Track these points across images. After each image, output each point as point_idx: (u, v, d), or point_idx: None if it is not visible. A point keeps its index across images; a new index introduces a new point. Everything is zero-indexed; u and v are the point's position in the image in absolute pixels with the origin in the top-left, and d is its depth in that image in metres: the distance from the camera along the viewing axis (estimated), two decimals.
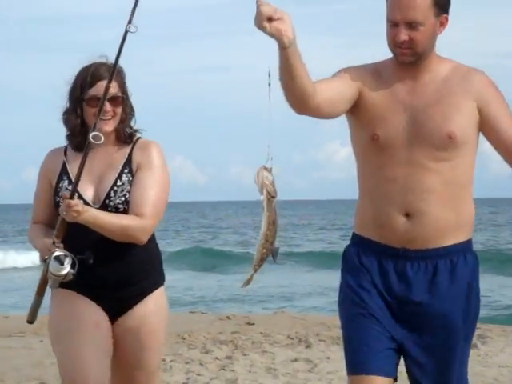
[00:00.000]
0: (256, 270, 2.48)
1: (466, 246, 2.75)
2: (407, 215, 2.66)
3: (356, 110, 2.68)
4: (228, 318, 9.16)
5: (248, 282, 2.53)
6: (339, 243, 26.87)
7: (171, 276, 19.43)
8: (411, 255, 2.69)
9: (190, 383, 5.80)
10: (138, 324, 3.02)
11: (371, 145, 2.66)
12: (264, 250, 2.44)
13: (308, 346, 7.08)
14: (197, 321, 9.05)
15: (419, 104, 2.64)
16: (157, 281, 3.09)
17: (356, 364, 2.71)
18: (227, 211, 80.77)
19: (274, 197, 2.43)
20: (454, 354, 2.71)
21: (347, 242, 2.86)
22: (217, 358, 6.63)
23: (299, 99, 2.50)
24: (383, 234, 2.70)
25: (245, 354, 6.79)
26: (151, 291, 3.05)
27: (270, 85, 2.38)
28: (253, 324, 8.54)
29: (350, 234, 2.85)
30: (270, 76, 2.39)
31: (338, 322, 9.20)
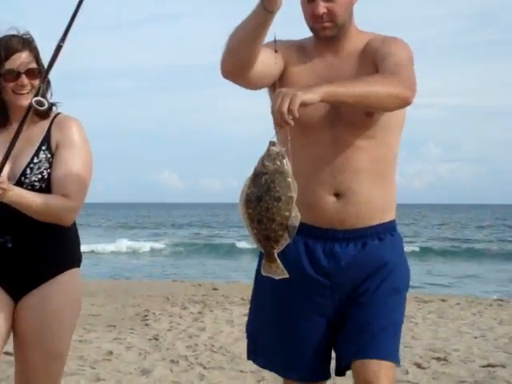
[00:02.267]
0: (267, 253, 1.70)
1: (392, 225, 2.06)
2: (337, 195, 1.96)
3: (278, 85, 1.97)
4: (199, 285, 9.09)
5: (264, 267, 1.73)
6: None
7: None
8: (339, 236, 1.99)
9: (172, 330, 5.79)
10: (41, 304, 2.11)
11: (295, 123, 1.78)
12: (254, 231, 1.68)
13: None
14: (178, 286, 8.99)
15: (337, 80, 1.88)
16: (68, 263, 2.16)
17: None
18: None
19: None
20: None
21: None
22: (191, 313, 6.61)
23: (241, 65, 1.84)
24: (311, 214, 1.96)
25: (211, 310, 6.77)
26: (60, 272, 2.13)
27: (276, 51, 1.85)
28: (217, 289, 8.49)
29: None
30: (275, 42, 1.84)
31: None
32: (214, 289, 8.59)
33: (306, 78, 1.98)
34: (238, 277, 12.44)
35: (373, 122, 1.95)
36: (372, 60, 1.95)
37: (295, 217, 1.67)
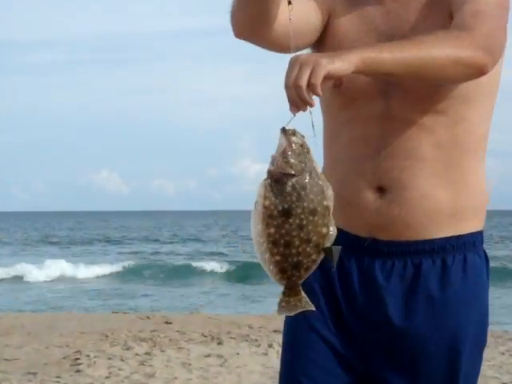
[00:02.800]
0: (290, 286, 1.57)
1: (470, 241, 1.78)
2: (380, 190, 1.76)
3: (320, 43, 1.84)
4: (148, 317, 9.10)
5: (280, 305, 1.58)
6: None
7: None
8: (382, 249, 1.75)
9: (111, 377, 5.78)
10: None
11: (334, 94, 1.78)
12: (277, 258, 1.55)
13: (220, 343, 7.13)
14: (119, 320, 8.97)
15: (397, 31, 1.75)
16: None
17: None
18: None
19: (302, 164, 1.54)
20: None
21: None
22: (137, 354, 6.61)
23: (254, 21, 1.71)
24: (347, 215, 1.78)
25: (162, 351, 6.79)
26: None
27: (290, 3, 1.65)
28: (170, 323, 8.50)
29: None
30: None
31: (248, 321, 9.36)
32: (167, 322, 8.63)
33: (354, 29, 1.80)
34: (198, 306, 12.39)
35: (444, 89, 1.72)
36: (446, 6, 1.74)
37: (333, 234, 1.55)
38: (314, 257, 1.54)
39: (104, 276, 20.56)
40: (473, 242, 1.80)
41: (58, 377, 5.80)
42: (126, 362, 6.31)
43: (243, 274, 19.36)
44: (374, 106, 1.77)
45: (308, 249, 1.53)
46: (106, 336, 7.53)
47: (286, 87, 1.51)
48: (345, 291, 1.80)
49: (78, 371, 5.99)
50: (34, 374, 5.90)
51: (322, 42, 1.83)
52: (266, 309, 11.43)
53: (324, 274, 1.79)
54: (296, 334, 1.84)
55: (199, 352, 6.71)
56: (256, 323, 8.38)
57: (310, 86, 1.48)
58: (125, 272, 21.05)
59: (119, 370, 6.03)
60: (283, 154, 1.53)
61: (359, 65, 1.54)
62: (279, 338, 7.15)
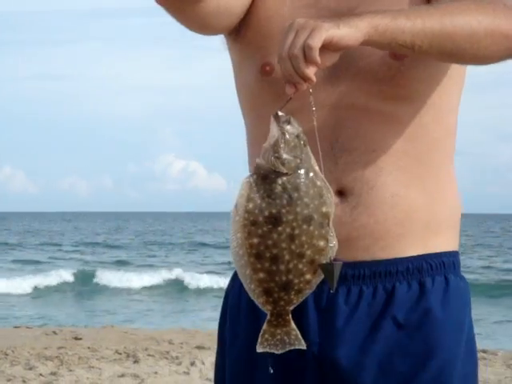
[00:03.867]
0: (278, 314, 1.39)
1: (449, 260, 1.59)
2: (340, 193, 1.53)
3: (244, 23, 1.62)
4: (54, 332, 8.93)
5: (263, 337, 1.40)
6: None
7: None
8: (345, 273, 1.49)
9: None
10: None
11: (264, 84, 1.57)
12: (261, 276, 1.37)
13: (136, 361, 7.04)
14: (21, 336, 8.77)
15: (343, 6, 1.55)
16: None
17: None
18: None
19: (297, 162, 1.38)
20: None
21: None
22: (41, 375, 6.49)
23: None
24: None
25: (70, 370, 6.67)
26: None
27: None
28: (80, 339, 8.35)
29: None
30: None
31: (167, 337, 9.23)
32: (76, 338, 8.46)
33: (289, 4, 1.57)
34: (111, 320, 12.25)
35: (406, 70, 1.53)
36: None
37: (333, 247, 1.38)
38: (307, 276, 1.36)
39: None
40: (452, 262, 1.59)
41: None
42: None
43: (163, 284, 19.21)
44: (322, 93, 1.54)
45: (300, 265, 1.35)
46: (6, 354, 7.34)
47: (280, 59, 1.35)
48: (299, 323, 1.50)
49: None
50: None
51: (246, 23, 1.61)
52: (188, 323, 11.31)
53: None
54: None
55: (112, 371, 6.59)
56: (177, 339, 8.30)
57: (306, 51, 1.31)
58: (25, 280, 20.60)
59: None
60: (274, 146, 1.36)
61: (371, 32, 1.36)
62: (202, 355, 7.07)
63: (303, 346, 1.39)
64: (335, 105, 1.55)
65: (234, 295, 1.66)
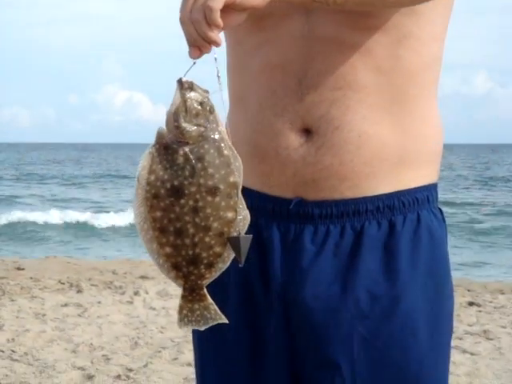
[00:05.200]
0: (191, 289, 1.36)
1: (423, 196, 1.54)
2: (306, 132, 1.49)
3: None
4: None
5: (181, 313, 1.37)
6: None
7: None
8: (313, 212, 1.50)
9: None
10: None
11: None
12: (167, 250, 1.34)
13: (79, 291, 7.02)
14: None
15: None
16: None
17: None
18: None
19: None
20: None
21: None
22: None
23: None
24: (265, 171, 1.54)
25: (12, 300, 6.64)
26: None
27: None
28: (23, 269, 8.32)
29: None
30: None
31: (112, 267, 9.17)
32: (19, 268, 8.41)
33: None
34: (54, 250, 12.18)
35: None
36: None
37: (243, 219, 1.33)
38: (217, 249, 1.32)
39: None
40: (426, 197, 1.54)
41: None
42: None
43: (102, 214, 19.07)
44: (293, 24, 1.49)
45: (207, 239, 1.32)
46: None
47: (182, 23, 1.30)
48: (260, 269, 1.52)
49: None
50: None
51: None
52: (131, 253, 11.32)
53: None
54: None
55: (55, 301, 6.58)
56: (120, 269, 8.29)
57: (207, 13, 1.26)
58: None
59: None
60: (174, 114, 1.31)
61: None
62: (146, 285, 7.11)
63: (224, 320, 1.37)
64: (307, 36, 1.49)
65: None
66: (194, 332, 1.66)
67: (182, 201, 1.31)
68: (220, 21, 1.26)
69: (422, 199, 1.53)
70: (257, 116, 1.54)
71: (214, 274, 1.36)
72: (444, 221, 1.59)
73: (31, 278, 7.71)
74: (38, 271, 8.16)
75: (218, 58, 1.32)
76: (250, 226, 1.44)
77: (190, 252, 1.33)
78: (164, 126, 1.33)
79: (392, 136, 1.50)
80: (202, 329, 1.37)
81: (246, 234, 1.32)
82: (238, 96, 1.58)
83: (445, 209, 1.70)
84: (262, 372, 1.57)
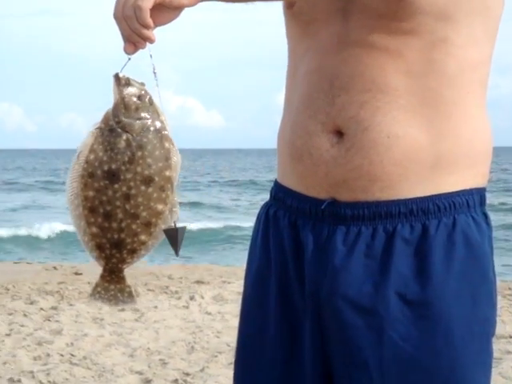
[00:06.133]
0: (110, 270, 1.44)
1: (461, 201, 1.52)
2: (337, 133, 1.53)
3: None
4: (55, 268, 9.00)
5: (95, 290, 1.48)
6: None
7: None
8: (344, 212, 1.53)
9: (12, 334, 5.70)
10: None
11: (290, 19, 1.62)
12: (94, 230, 1.39)
13: (136, 296, 7.12)
14: (22, 271, 8.85)
15: None
16: None
17: None
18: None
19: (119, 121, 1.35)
20: None
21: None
22: (42, 309, 6.53)
23: None
24: (300, 171, 1.57)
25: (71, 305, 6.72)
26: None
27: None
28: (80, 274, 8.43)
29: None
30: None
31: (167, 272, 9.25)
32: (77, 273, 8.53)
33: None
34: None
35: (408, 5, 1.48)
36: None
37: (174, 213, 1.38)
38: (142, 237, 1.37)
39: None
40: (465, 201, 1.52)
41: None
42: (30, 318, 6.22)
43: None
44: (332, 29, 1.55)
45: (134, 226, 1.36)
46: (7, 289, 7.41)
47: (115, 19, 1.33)
48: (297, 269, 1.56)
49: None
50: None
51: None
52: (187, 258, 11.41)
53: (278, 247, 1.60)
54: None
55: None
56: (176, 274, 8.36)
57: (136, 12, 1.29)
58: (27, 214, 20.63)
59: (21, 326, 5.95)
60: (114, 110, 1.33)
61: None
62: (202, 290, 7.17)
63: (135, 302, 1.45)
64: (342, 41, 1.54)
65: (254, 229, 1.71)
66: (239, 330, 1.71)
67: (116, 186, 1.34)
68: (149, 20, 1.30)
69: (460, 203, 1.52)
70: (295, 118, 1.59)
71: (136, 260, 1.42)
72: (488, 226, 1.57)
73: (89, 282, 7.75)
74: (95, 276, 8.23)
75: (153, 54, 1.36)
76: (290, 226, 1.58)
77: (116, 236, 1.37)
78: (108, 111, 1.36)
79: (425, 138, 1.51)
80: (111, 307, 1.45)
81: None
82: (286, 100, 1.65)
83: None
84: (298, 372, 1.60)
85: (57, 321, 6.13)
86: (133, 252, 1.40)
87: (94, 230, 1.38)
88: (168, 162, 1.35)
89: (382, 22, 1.51)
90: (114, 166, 1.33)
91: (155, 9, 1.31)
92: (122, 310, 6.51)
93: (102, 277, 1.44)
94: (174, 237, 1.37)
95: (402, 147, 1.49)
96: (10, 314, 6.33)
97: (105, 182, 1.34)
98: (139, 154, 1.33)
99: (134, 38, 1.32)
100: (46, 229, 16.53)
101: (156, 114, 1.35)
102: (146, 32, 1.31)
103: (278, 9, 1.65)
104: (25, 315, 6.31)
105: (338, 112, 1.51)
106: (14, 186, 34.08)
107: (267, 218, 1.66)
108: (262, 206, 1.73)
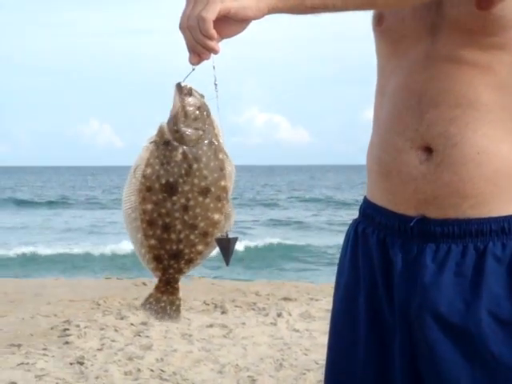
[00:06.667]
0: (167, 280, 1.46)
1: None
2: (427, 150, 1.53)
3: None
4: (144, 284, 9.09)
5: (147, 299, 1.49)
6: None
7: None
8: (434, 230, 1.52)
9: (104, 349, 5.80)
10: None
11: (377, 35, 1.65)
12: (152, 242, 1.41)
13: (224, 312, 7.14)
14: (112, 286, 9.01)
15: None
16: None
17: None
18: None
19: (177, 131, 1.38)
20: None
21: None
22: (132, 324, 6.62)
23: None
24: (389, 188, 1.59)
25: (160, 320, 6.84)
26: None
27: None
28: None
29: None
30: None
31: (254, 288, 9.25)
32: None
33: None
34: (201, 271, 12.43)
35: (496, 19, 1.47)
36: None
37: (227, 221, 1.41)
38: (199, 247, 1.40)
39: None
40: None
41: (45, 349, 5.80)
42: (120, 333, 6.33)
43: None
44: (421, 45, 1.55)
45: (192, 236, 1.39)
46: (98, 304, 7.55)
47: (180, 29, 1.35)
48: (386, 287, 1.57)
49: (66, 343, 5.99)
50: (18, 346, 5.90)
51: None
52: (274, 275, 11.43)
53: (367, 263, 1.61)
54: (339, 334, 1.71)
55: (201, 322, 6.71)
56: (263, 290, 8.39)
57: (200, 23, 1.30)
58: (119, 230, 21.03)
59: (112, 341, 6.05)
60: (174, 118, 1.37)
61: (274, 2, 1.33)
62: (289, 307, 7.18)
63: (179, 319, 1.46)
64: (431, 56, 1.54)
65: (343, 245, 1.73)
66: (329, 346, 1.72)
67: (175, 198, 1.37)
68: (213, 31, 1.31)
69: None
70: (384, 136, 1.60)
71: (192, 269, 1.44)
72: None
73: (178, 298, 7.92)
74: (183, 292, 8.33)
75: (216, 66, 1.37)
76: (379, 243, 1.59)
77: (174, 247, 1.40)
78: (166, 123, 1.39)
79: None
80: (156, 320, 1.46)
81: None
82: (375, 118, 1.67)
83: None
84: None
85: (147, 336, 6.22)
86: (190, 262, 1.43)
87: (153, 242, 1.41)
88: (223, 172, 1.38)
89: (471, 36, 1.50)
90: (171, 179, 1.37)
91: (221, 20, 1.32)
92: (210, 325, 6.58)
93: (157, 288, 1.47)
94: (226, 247, 1.39)
95: (494, 164, 1.48)
96: (102, 329, 6.45)
97: (163, 195, 1.37)
98: (195, 166, 1.37)
99: (198, 48, 1.33)
100: (125, 245, 16.87)
101: (212, 127, 1.38)
102: (209, 43, 1.32)
103: (365, 25, 1.68)
104: (116, 330, 6.42)
105: (426, 128, 1.51)
106: (95, 203, 34.80)
107: (356, 235, 1.68)
108: (350, 224, 1.74)
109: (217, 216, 1.39)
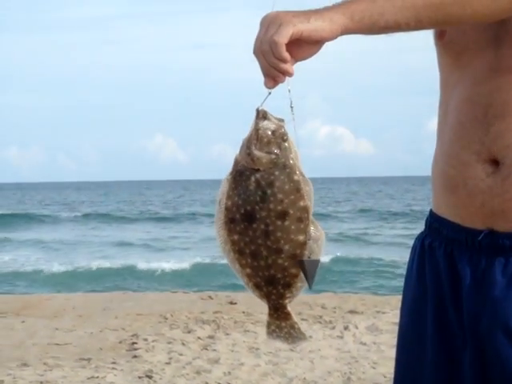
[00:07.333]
0: (274, 307, 1.46)
1: None
2: (493, 163, 1.53)
3: None
4: (210, 297, 9.17)
5: (269, 328, 1.50)
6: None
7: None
8: (503, 243, 1.53)
9: (172, 363, 5.86)
10: None
11: (440, 48, 1.65)
12: (248, 271, 1.44)
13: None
14: (179, 300, 9.07)
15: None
16: None
17: None
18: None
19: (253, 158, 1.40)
20: None
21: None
22: (199, 338, 6.68)
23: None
24: (455, 201, 1.59)
25: (227, 334, 6.83)
26: None
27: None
28: (235, 303, 8.55)
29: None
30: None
31: (320, 301, 9.20)
32: (232, 303, 8.70)
33: None
34: None
35: None
36: None
37: (315, 240, 1.41)
38: (292, 271, 1.40)
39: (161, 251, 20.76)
40: None
41: (114, 362, 5.89)
42: (188, 347, 6.38)
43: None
44: (485, 57, 1.55)
45: (280, 260, 1.40)
46: (165, 318, 7.61)
47: (254, 54, 1.36)
48: (454, 300, 1.58)
49: (135, 356, 6.08)
50: (88, 359, 6.01)
51: None
52: (340, 287, 11.38)
53: (434, 277, 1.61)
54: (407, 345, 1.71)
55: None
56: (329, 303, 8.35)
57: (272, 47, 1.31)
58: (186, 246, 21.20)
59: (180, 355, 6.11)
60: (247, 142, 1.39)
61: (347, 23, 1.35)
62: (356, 320, 7.14)
63: (306, 338, 1.47)
64: (494, 68, 1.54)
65: (409, 259, 1.74)
66: (397, 360, 1.73)
67: (254, 225, 1.40)
68: (285, 54, 1.32)
69: None
70: (448, 149, 1.60)
71: (296, 293, 1.43)
72: None
73: (243, 312, 7.91)
74: (249, 305, 8.33)
75: (291, 89, 1.37)
76: (446, 256, 1.58)
77: (266, 273, 1.42)
78: (238, 154, 1.41)
79: None
80: (290, 346, 1.46)
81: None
82: (439, 131, 1.67)
83: None
84: None
85: (214, 350, 6.26)
86: (288, 286, 1.42)
87: (248, 270, 1.43)
88: (300, 193, 1.39)
89: None
90: (248, 208, 1.39)
91: (294, 43, 1.33)
92: None
93: (270, 315, 1.48)
94: (308, 270, 1.40)
95: None
96: (169, 343, 6.51)
97: (244, 224, 1.40)
98: (269, 191, 1.39)
99: (273, 72, 1.34)
100: (187, 260, 16.96)
101: (287, 151, 1.39)
102: (283, 66, 1.32)
103: (427, 35, 1.68)
104: (183, 344, 6.48)
105: (493, 141, 1.51)
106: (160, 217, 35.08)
107: (423, 249, 1.68)
108: (416, 237, 1.74)
109: (301, 237, 1.40)
